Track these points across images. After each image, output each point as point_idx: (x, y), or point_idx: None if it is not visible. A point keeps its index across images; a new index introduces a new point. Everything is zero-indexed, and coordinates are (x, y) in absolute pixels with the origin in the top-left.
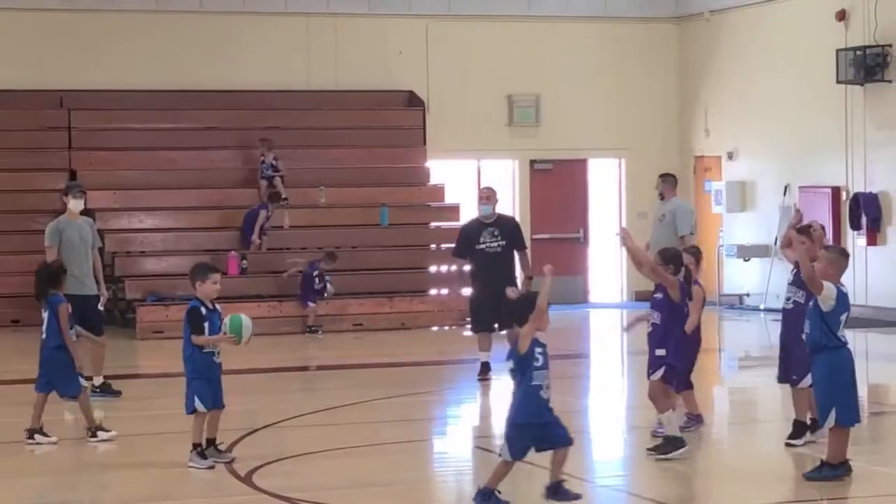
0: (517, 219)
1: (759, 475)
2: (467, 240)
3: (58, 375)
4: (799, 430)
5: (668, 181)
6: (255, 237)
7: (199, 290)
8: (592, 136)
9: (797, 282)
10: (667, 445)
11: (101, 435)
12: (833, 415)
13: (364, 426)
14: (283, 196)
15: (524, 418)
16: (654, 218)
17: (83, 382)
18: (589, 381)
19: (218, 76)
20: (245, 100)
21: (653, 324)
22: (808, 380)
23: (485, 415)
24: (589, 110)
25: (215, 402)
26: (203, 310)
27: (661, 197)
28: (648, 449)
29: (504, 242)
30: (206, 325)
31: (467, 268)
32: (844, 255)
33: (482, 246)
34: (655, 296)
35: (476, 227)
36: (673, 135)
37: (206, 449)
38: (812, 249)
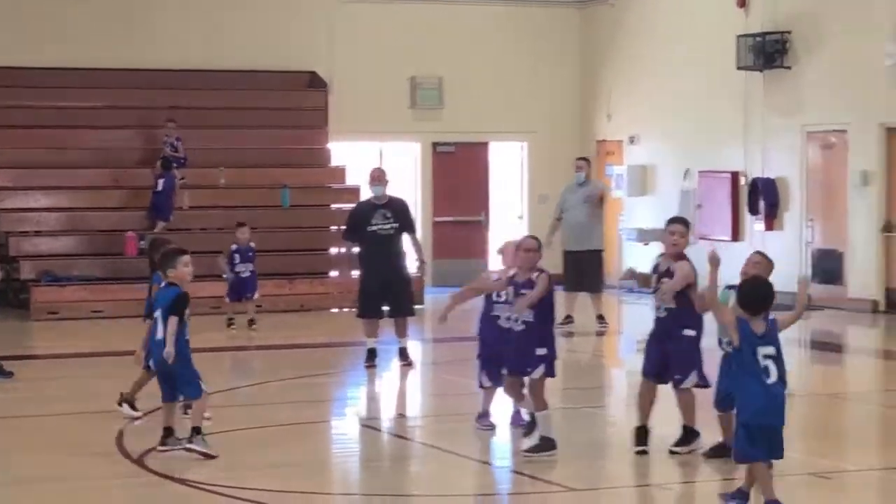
0: (416, 201)
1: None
2: (358, 222)
3: None
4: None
5: (590, 164)
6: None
7: (172, 275)
8: (495, 119)
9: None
10: (543, 445)
11: None
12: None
13: (259, 408)
14: (181, 177)
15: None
16: (566, 202)
17: None
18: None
19: (119, 55)
20: (146, 79)
21: (525, 322)
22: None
23: (372, 397)
24: (492, 94)
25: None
26: None
27: (584, 180)
28: (524, 451)
29: (396, 225)
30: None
31: (355, 250)
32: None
33: (374, 228)
34: (523, 291)
35: (367, 209)
36: (575, 119)
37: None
38: None
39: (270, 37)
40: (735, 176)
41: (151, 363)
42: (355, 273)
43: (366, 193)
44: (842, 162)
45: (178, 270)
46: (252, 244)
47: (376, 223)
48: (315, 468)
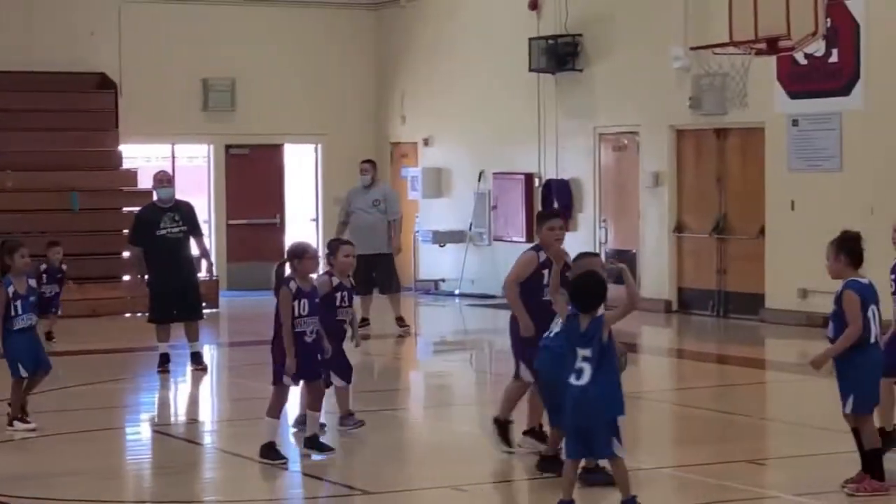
0: (210, 204)
1: (457, 455)
2: (146, 226)
3: None
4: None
5: (375, 167)
6: None
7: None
8: (289, 121)
9: None
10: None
11: None
12: None
13: (52, 415)
14: None
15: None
16: (352, 205)
17: None
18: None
19: None
20: None
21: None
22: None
23: (165, 402)
24: (286, 96)
25: None
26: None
27: (371, 182)
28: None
29: (185, 228)
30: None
31: (126, 254)
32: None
33: (163, 232)
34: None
35: (154, 213)
36: (370, 121)
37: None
38: None
39: (57, 38)
40: (529, 177)
41: None
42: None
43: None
44: (633, 163)
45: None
46: (64, 266)
47: (165, 227)
48: (107, 475)
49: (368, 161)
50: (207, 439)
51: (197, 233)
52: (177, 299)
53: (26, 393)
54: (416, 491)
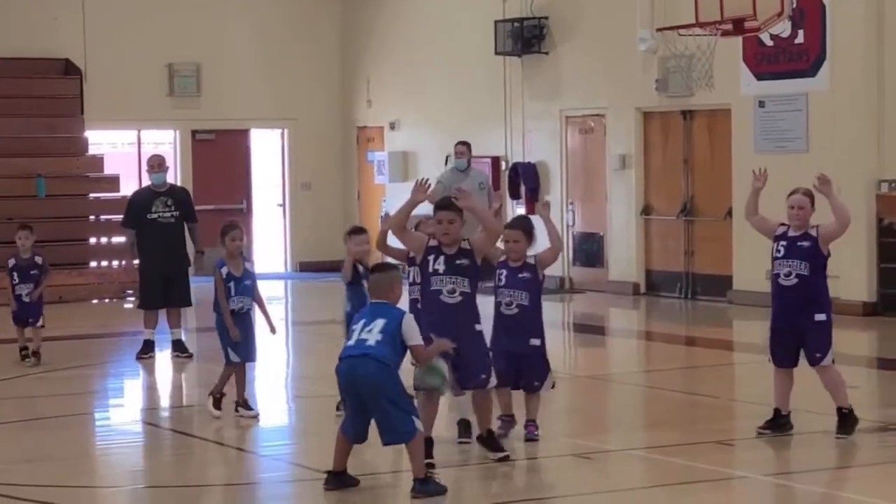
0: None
1: None
2: (138, 209)
3: None
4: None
5: (470, 148)
6: None
7: None
8: (255, 106)
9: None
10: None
11: None
12: None
13: (24, 401)
14: None
15: None
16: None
17: None
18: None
19: None
20: None
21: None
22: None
23: (150, 387)
24: (251, 80)
25: None
26: None
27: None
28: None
29: (178, 213)
30: None
31: (123, 239)
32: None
33: (155, 216)
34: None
35: (147, 196)
36: (336, 105)
37: None
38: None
39: (20, 23)
40: (496, 160)
41: None
42: (121, 263)
43: (126, 181)
44: (600, 146)
45: None
46: (38, 258)
47: (157, 211)
48: (83, 461)
49: (464, 143)
50: (182, 425)
51: (192, 218)
52: (166, 285)
53: None
54: (382, 475)
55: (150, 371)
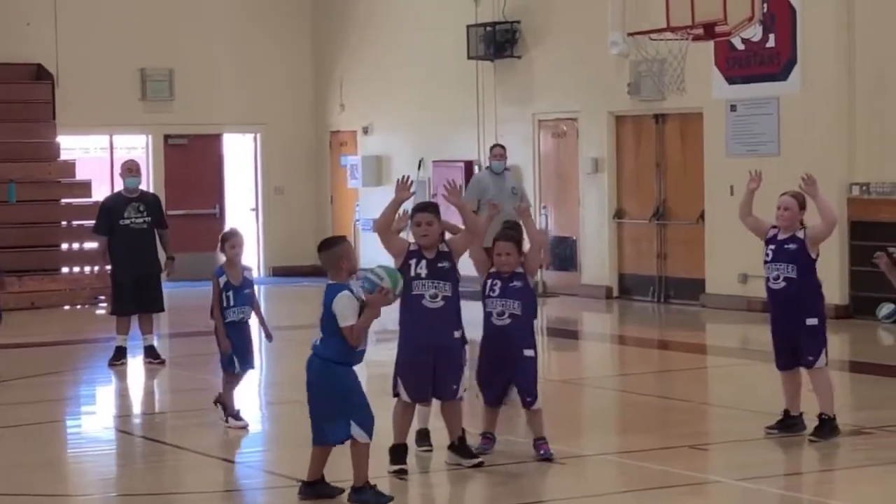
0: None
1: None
2: (110, 215)
3: None
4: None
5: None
6: None
7: None
8: (228, 110)
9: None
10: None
11: None
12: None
13: None
14: None
15: None
16: (488, 192)
17: None
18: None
19: None
20: None
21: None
22: None
23: (122, 394)
24: (224, 85)
25: None
26: None
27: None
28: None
29: (150, 219)
30: None
31: (95, 245)
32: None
33: (127, 222)
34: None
35: (119, 202)
36: (308, 110)
37: None
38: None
39: None
40: (469, 165)
41: None
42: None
43: (98, 187)
44: (573, 150)
45: None
46: None
47: (129, 217)
48: (55, 469)
49: (501, 146)
50: (155, 432)
51: (162, 225)
52: (138, 291)
53: None
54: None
55: (122, 378)
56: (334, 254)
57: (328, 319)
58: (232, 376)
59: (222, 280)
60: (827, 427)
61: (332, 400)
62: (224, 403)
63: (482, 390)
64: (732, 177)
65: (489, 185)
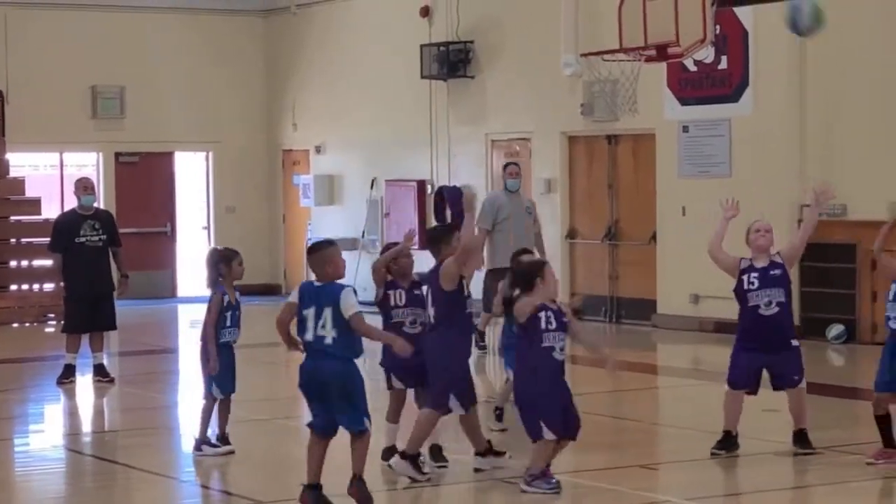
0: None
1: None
2: (64, 233)
3: None
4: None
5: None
6: None
7: None
8: (179, 128)
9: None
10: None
11: None
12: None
13: None
14: None
15: None
16: (504, 210)
17: None
18: (178, 375)
19: None
20: None
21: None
22: None
23: (71, 413)
24: (176, 103)
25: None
26: None
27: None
28: None
29: (105, 236)
30: None
31: (45, 262)
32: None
33: (83, 239)
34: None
35: (74, 220)
36: (261, 128)
37: None
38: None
39: None
40: (422, 184)
41: None
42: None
43: (47, 205)
44: (526, 170)
45: None
46: None
47: (84, 234)
48: (2, 488)
49: (516, 164)
50: (101, 450)
51: (116, 243)
52: (92, 308)
53: None
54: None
55: (71, 396)
56: (322, 256)
57: (341, 322)
58: (211, 402)
59: (226, 299)
60: (807, 439)
61: (357, 398)
62: (220, 436)
63: None
64: (684, 198)
65: (504, 204)
